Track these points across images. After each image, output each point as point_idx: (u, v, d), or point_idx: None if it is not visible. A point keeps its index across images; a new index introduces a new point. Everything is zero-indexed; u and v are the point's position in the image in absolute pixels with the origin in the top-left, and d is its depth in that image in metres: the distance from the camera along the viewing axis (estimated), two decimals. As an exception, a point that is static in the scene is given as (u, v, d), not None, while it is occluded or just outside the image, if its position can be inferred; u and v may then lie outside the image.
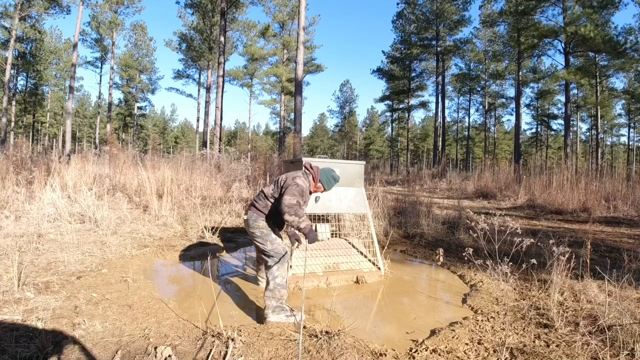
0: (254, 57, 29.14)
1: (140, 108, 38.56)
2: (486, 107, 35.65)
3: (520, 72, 23.69)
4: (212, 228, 5.25)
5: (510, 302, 2.95)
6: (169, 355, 1.95)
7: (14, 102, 29.80)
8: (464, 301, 3.14)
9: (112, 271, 3.48)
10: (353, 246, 4.22)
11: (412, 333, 2.52)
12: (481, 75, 32.69)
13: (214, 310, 2.69)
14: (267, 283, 2.65)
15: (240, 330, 2.29)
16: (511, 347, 2.16)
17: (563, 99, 23.65)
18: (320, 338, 2.20)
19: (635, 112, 35.40)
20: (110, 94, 29.64)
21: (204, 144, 23.91)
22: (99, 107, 37.55)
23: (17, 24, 22.72)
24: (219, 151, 15.47)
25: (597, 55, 22.04)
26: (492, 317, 2.70)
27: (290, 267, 3.47)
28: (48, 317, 2.34)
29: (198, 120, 34.34)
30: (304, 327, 2.40)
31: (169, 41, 29.86)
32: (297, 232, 2.73)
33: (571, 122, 23.94)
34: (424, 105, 33.96)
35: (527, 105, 36.45)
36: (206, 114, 25.70)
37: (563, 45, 18.95)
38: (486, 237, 2.81)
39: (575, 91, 30.85)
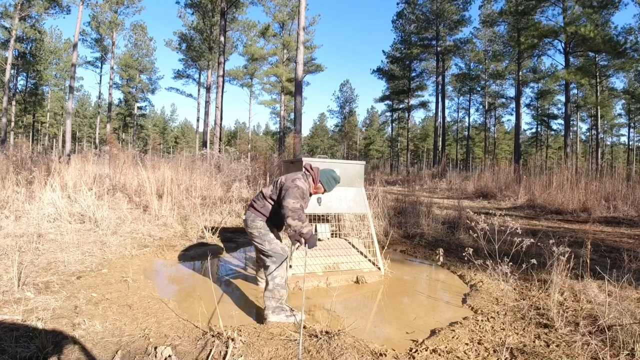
0: (254, 57, 29.14)
1: (140, 108, 38.57)
2: (486, 107, 35.66)
3: (520, 72, 23.70)
4: (212, 228, 5.25)
5: (510, 302, 2.95)
6: (169, 355, 1.95)
7: (14, 102, 29.81)
8: (464, 301, 3.14)
9: (112, 271, 3.48)
10: (353, 246, 4.22)
11: (412, 333, 2.52)
12: (481, 75, 32.70)
13: (214, 310, 2.69)
14: (267, 283, 2.65)
15: (240, 330, 2.29)
16: (511, 347, 2.16)
17: (563, 99, 23.67)
18: (320, 338, 2.20)
19: (635, 112, 35.40)
20: (110, 94, 29.65)
21: (204, 144, 23.91)
22: (99, 107, 37.55)
23: (17, 24, 22.72)
24: (219, 151, 15.46)
25: (597, 55, 22.05)
26: (492, 317, 2.70)
27: (290, 267, 3.47)
28: (48, 317, 2.34)
29: (198, 120, 34.37)
30: (304, 327, 2.40)
31: (169, 41, 29.90)
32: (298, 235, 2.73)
33: (571, 122, 23.94)
34: (424, 105, 33.99)
35: (527, 105, 36.47)
36: (206, 114, 25.71)
37: (563, 45, 18.95)
38: (486, 237, 2.81)
39: (575, 91, 30.86)
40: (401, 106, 34.99)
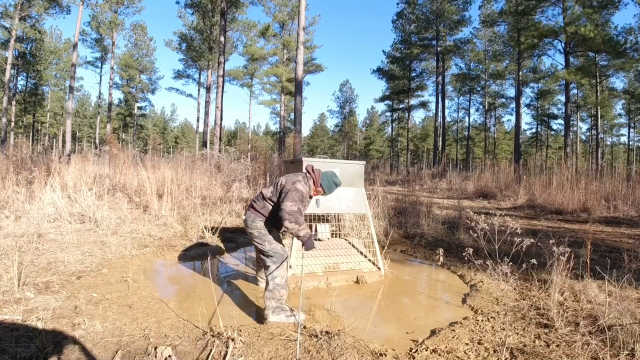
0: (254, 57, 29.14)
1: (140, 108, 38.57)
2: (486, 107, 35.66)
3: (520, 72, 23.70)
4: (212, 228, 5.25)
5: (511, 302, 2.95)
6: (169, 355, 1.95)
7: (14, 102, 29.81)
8: (464, 301, 3.14)
9: (112, 271, 3.48)
10: (353, 246, 4.22)
11: (412, 333, 2.52)
12: (481, 75, 32.70)
13: (214, 310, 2.69)
14: (267, 283, 2.65)
15: (240, 330, 2.29)
16: (511, 347, 2.16)
17: (563, 99, 23.68)
18: (321, 338, 2.20)
19: (635, 112, 35.40)
20: (110, 94, 29.65)
21: (204, 144, 23.91)
22: (99, 107, 37.56)
23: (17, 24, 22.72)
24: (219, 151, 15.47)
25: (597, 55, 22.05)
26: (492, 317, 2.70)
27: (290, 267, 3.47)
28: (48, 317, 2.34)
29: (198, 120, 34.37)
30: (304, 327, 2.41)
31: (169, 41, 29.90)
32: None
33: (571, 122, 23.94)
34: (424, 105, 33.99)
35: (527, 105, 36.47)
36: (206, 114, 25.71)
37: (563, 45, 18.95)
38: (486, 237, 2.81)
39: (575, 91, 30.86)
40: (401, 106, 34.99)
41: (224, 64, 17.55)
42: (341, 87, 46.84)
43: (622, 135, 44.08)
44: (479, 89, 35.08)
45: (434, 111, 30.96)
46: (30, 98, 34.49)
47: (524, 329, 2.44)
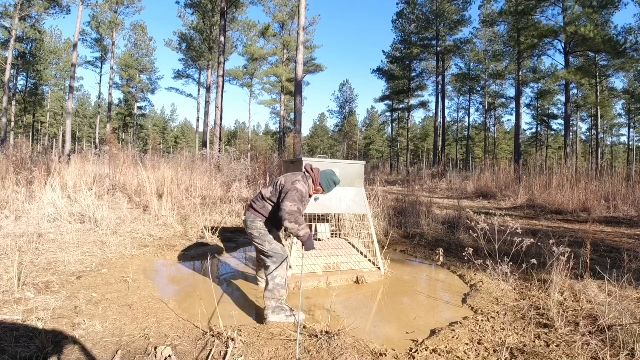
0: (254, 57, 29.14)
1: (140, 108, 38.57)
2: (486, 107, 35.65)
3: (520, 72, 23.69)
4: (212, 228, 5.25)
5: (511, 302, 2.95)
6: (169, 356, 1.95)
7: (14, 102, 29.81)
8: (464, 301, 3.14)
9: (112, 271, 3.48)
10: (353, 246, 4.22)
11: (412, 333, 2.52)
12: (481, 75, 32.69)
13: (214, 310, 2.69)
14: (267, 284, 2.65)
15: (240, 331, 2.29)
16: (511, 347, 2.16)
17: (563, 99, 23.69)
18: (321, 338, 2.20)
19: (635, 112, 35.40)
20: (110, 94, 29.65)
21: (204, 144, 23.91)
22: (99, 107, 37.56)
23: (17, 24, 22.72)
24: (219, 151, 15.47)
25: (597, 55, 22.05)
26: (492, 317, 2.70)
27: (290, 267, 3.47)
28: (48, 317, 2.34)
29: (198, 120, 34.37)
30: (304, 327, 2.41)
31: (169, 41, 29.91)
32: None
33: (571, 122, 23.94)
34: (424, 105, 33.99)
35: (527, 105, 36.47)
36: (206, 114, 25.71)
37: (563, 45, 18.95)
38: (486, 237, 2.81)
39: (575, 91, 30.86)
40: (401, 106, 34.99)
41: (224, 64, 17.55)
42: (341, 87, 46.87)
43: (622, 135, 44.13)
44: (479, 89, 35.08)
45: (434, 111, 31.01)
46: (30, 98, 34.49)
47: (524, 329, 2.44)
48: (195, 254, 4.41)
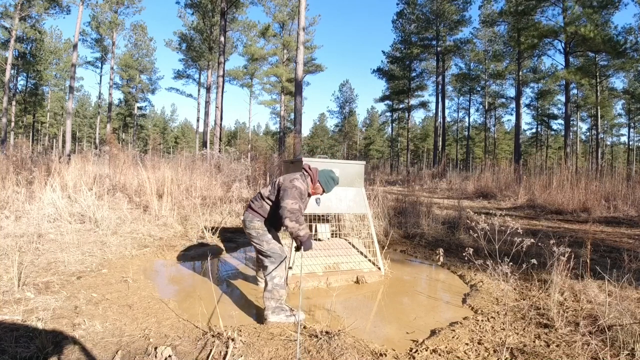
0: (254, 57, 29.14)
1: (140, 108, 38.57)
2: (486, 107, 35.65)
3: (520, 72, 23.69)
4: (212, 228, 5.25)
5: (511, 302, 2.95)
6: (169, 356, 1.95)
7: (14, 102, 29.81)
8: (464, 301, 3.14)
9: (112, 271, 3.48)
10: (353, 246, 4.22)
11: (412, 333, 2.52)
12: (481, 75, 32.69)
13: (214, 310, 2.69)
14: (265, 284, 2.64)
15: (240, 331, 2.29)
16: (511, 347, 2.16)
17: (563, 99, 23.70)
18: (321, 338, 2.20)
19: (635, 112, 35.40)
20: (110, 94, 29.65)
21: (204, 144, 23.92)
22: (99, 107, 37.56)
23: (17, 24, 22.72)
24: (219, 151, 15.47)
25: (597, 55, 22.05)
26: (492, 317, 2.70)
27: (290, 267, 3.47)
28: (48, 317, 2.34)
29: (198, 120, 34.37)
30: (304, 327, 2.41)
31: (169, 41, 29.90)
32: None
33: (571, 122, 23.94)
34: (424, 105, 33.99)
35: (527, 105, 36.47)
36: (206, 114, 25.71)
37: (563, 45, 18.95)
38: (486, 237, 2.81)
39: (575, 91, 30.86)
40: (401, 106, 34.98)
41: (224, 64, 17.55)
42: (341, 87, 46.86)
43: (622, 135, 44.14)
44: (479, 89, 35.07)
45: (434, 111, 31.00)
46: (30, 98, 34.49)
47: (524, 329, 2.44)
48: (195, 254, 4.41)
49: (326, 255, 3.91)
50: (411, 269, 4.32)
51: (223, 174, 9.46)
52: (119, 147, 10.76)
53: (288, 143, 24.14)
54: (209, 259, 3.59)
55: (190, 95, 34.63)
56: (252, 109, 41.51)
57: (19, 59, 28.66)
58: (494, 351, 2.15)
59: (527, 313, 2.66)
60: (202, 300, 2.95)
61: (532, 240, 2.39)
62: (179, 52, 30.45)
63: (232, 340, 2.11)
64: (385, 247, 4.61)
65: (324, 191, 2.85)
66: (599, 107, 25.60)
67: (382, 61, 34.85)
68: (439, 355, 2.12)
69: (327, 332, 2.27)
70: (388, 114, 40.60)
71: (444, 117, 28.38)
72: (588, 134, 40.12)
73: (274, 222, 2.74)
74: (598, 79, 24.27)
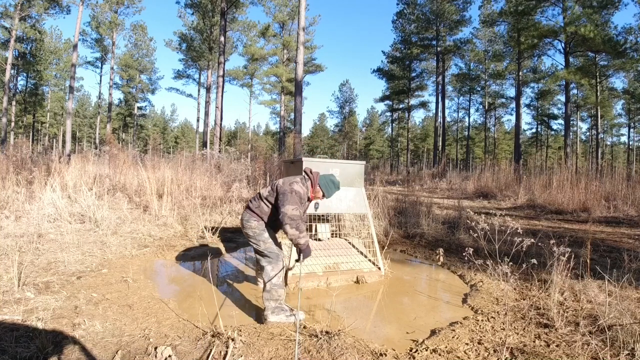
0: (254, 57, 29.14)
1: (140, 108, 38.58)
2: (486, 107, 35.65)
3: (520, 72, 23.68)
4: (212, 228, 5.25)
5: (511, 302, 2.95)
6: (169, 355, 1.95)
7: (14, 102, 29.81)
8: (464, 301, 3.14)
9: (112, 271, 3.48)
10: (353, 246, 4.22)
11: (412, 333, 2.52)
12: (481, 75, 32.69)
13: (214, 310, 2.69)
14: (264, 284, 2.64)
15: (240, 330, 2.29)
16: (511, 347, 2.16)
17: (563, 99, 23.71)
18: (321, 338, 2.20)
19: (635, 112, 35.40)
20: (110, 94, 29.65)
21: (204, 144, 23.92)
22: (99, 107, 37.54)
23: (17, 24, 22.73)
24: (219, 151, 15.47)
25: (597, 55, 22.03)
26: (492, 317, 2.70)
27: (290, 268, 3.48)
28: (48, 317, 2.34)
29: (198, 121, 34.39)
30: (304, 327, 2.41)
31: (169, 41, 29.90)
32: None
33: (571, 122, 23.94)
34: (424, 105, 34.00)
35: (527, 105, 36.47)
36: (206, 114, 25.71)
37: (563, 45, 18.95)
38: (486, 237, 2.81)
39: (575, 91, 30.87)
40: (401, 106, 34.99)
41: (224, 64, 17.55)
42: (341, 87, 46.84)
43: (622, 135, 44.16)
44: (479, 89, 35.07)
45: (434, 111, 31.04)
46: (30, 98, 34.49)
47: (524, 328, 2.44)
48: (195, 254, 4.41)
49: (326, 255, 3.91)
50: (411, 269, 4.32)
51: (223, 174, 9.47)
52: (119, 147, 10.76)
53: (288, 143, 24.15)
54: (209, 259, 3.59)
55: (190, 95, 34.67)
56: (252, 109, 41.53)
57: (19, 59, 28.66)
58: (494, 351, 2.15)
59: (527, 313, 2.66)
60: (202, 300, 2.95)
61: (532, 240, 2.39)
62: (179, 52, 30.48)
63: (232, 340, 2.11)
64: (385, 247, 4.61)
65: (324, 196, 2.78)
66: (599, 107, 25.59)
67: (382, 61, 34.90)
68: (439, 355, 2.12)
69: (327, 332, 2.27)
70: (388, 114, 40.61)
71: (444, 117, 28.39)
72: (588, 134, 40.16)
73: (272, 223, 2.72)
74: (598, 79, 24.25)
